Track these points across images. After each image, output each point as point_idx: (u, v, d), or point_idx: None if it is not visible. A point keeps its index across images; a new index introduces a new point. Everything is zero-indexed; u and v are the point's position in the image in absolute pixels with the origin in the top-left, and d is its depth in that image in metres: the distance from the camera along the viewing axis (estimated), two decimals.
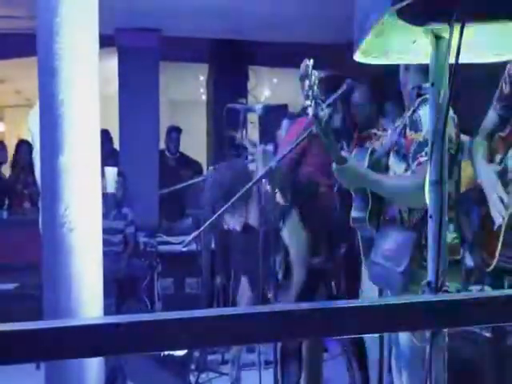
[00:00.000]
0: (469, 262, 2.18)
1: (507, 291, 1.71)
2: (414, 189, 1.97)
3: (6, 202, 5.93)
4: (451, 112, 2.10)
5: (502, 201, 1.93)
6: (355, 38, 1.17)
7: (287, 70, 5.30)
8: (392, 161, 2.22)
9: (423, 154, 2.00)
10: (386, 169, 2.26)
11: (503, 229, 1.91)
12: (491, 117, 2.12)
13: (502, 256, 1.92)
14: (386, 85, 2.86)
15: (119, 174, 4.90)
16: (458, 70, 0.98)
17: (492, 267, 1.95)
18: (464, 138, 2.32)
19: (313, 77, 1.92)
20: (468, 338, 2.35)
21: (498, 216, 1.93)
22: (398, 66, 2.26)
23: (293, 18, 5.07)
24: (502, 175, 2.01)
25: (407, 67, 2.20)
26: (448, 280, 1.98)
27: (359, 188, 2.24)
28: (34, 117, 3.00)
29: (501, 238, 1.91)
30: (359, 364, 2.98)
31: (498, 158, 2.05)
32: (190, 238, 2.55)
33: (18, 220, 5.50)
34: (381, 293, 2.31)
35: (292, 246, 3.02)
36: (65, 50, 1.84)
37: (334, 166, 2.12)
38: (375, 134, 2.79)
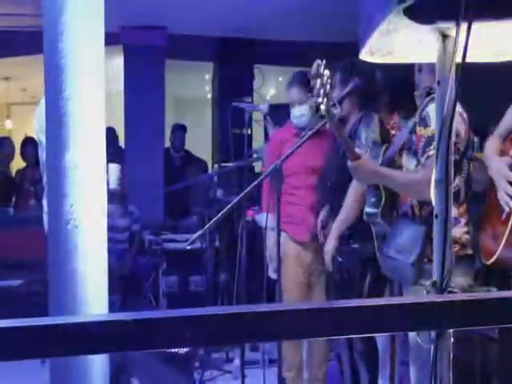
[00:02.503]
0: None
1: None
2: (423, 182, 2.02)
3: (13, 199, 5.95)
4: (460, 108, 2.12)
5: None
6: (361, 36, 1.16)
7: (293, 69, 5.30)
8: (404, 158, 2.29)
9: (431, 148, 2.05)
10: (400, 168, 2.32)
11: None
12: (509, 118, 2.13)
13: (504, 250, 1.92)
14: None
15: (123, 171, 4.90)
16: (464, 69, 0.98)
17: (493, 259, 1.95)
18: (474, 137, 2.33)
19: (325, 76, 1.95)
20: (474, 339, 2.34)
21: (509, 200, 1.92)
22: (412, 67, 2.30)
23: (299, 17, 5.06)
24: None
25: (420, 68, 2.24)
26: (460, 275, 2.02)
27: (373, 184, 2.30)
28: (39, 112, 3.01)
29: (508, 227, 1.90)
30: (367, 363, 2.96)
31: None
32: (194, 236, 2.55)
33: (23, 217, 5.52)
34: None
35: None
36: (70, 48, 1.84)
37: (348, 162, 2.16)
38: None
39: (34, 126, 3.03)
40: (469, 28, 0.92)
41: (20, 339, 0.67)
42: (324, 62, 1.96)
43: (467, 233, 2.14)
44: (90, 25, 1.87)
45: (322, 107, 1.99)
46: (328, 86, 1.96)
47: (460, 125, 2.11)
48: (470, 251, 2.13)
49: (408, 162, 2.24)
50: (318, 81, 1.95)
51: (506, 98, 2.15)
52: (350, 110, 3.13)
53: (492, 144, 2.12)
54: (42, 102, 2.96)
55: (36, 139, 3.05)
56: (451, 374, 1.08)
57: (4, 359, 0.69)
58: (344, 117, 3.23)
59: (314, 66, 1.96)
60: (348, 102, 3.11)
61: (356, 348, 2.80)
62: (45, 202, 2.98)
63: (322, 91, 1.96)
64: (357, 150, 2.18)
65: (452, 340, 1.07)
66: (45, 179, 2.96)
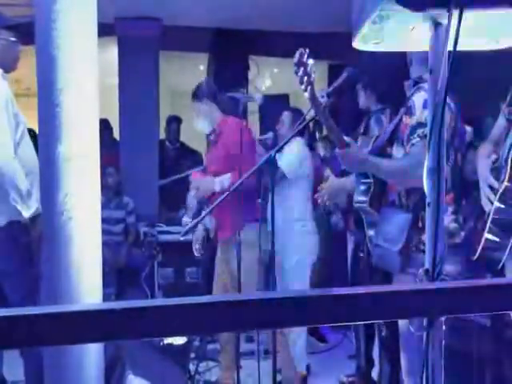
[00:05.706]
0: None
1: (506, 279, 1.72)
2: (408, 169, 2.08)
3: None
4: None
5: (492, 188, 1.97)
6: (354, 24, 1.16)
7: (288, 60, 5.27)
8: (394, 148, 2.31)
9: (415, 135, 2.07)
10: (390, 157, 2.34)
11: (491, 215, 1.93)
12: (500, 123, 2.16)
13: (487, 242, 1.95)
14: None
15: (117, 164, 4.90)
16: (456, 56, 0.97)
17: (477, 255, 1.98)
18: (466, 127, 2.36)
19: (309, 65, 1.97)
20: (466, 327, 2.36)
21: (487, 203, 1.97)
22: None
23: (294, 7, 5.04)
24: (496, 167, 2.05)
25: (410, 60, 2.26)
26: (448, 263, 2.03)
27: (362, 172, 2.32)
28: None
29: (487, 225, 1.93)
30: (390, 354, 2.96)
31: (493, 157, 2.09)
32: (188, 226, 2.56)
33: None
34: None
35: None
36: (63, 39, 1.83)
37: (336, 150, 2.19)
38: None
39: None
40: (460, 15, 0.92)
41: (9, 328, 0.67)
42: (307, 50, 1.98)
43: (455, 221, 2.16)
44: (83, 13, 1.86)
45: (306, 95, 2.01)
46: (313, 75, 1.98)
47: (445, 113, 2.13)
48: (458, 240, 2.14)
49: (397, 151, 2.27)
50: (302, 69, 1.97)
51: (501, 87, 2.15)
52: (368, 104, 3.15)
53: (484, 148, 2.16)
54: None
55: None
56: (443, 361, 1.09)
57: None
58: (363, 109, 3.26)
59: (297, 54, 1.98)
60: (364, 96, 3.12)
61: (379, 332, 2.82)
62: None
63: (305, 79, 1.97)
64: (345, 138, 2.20)
65: (444, 327, 1.08)
66: None
